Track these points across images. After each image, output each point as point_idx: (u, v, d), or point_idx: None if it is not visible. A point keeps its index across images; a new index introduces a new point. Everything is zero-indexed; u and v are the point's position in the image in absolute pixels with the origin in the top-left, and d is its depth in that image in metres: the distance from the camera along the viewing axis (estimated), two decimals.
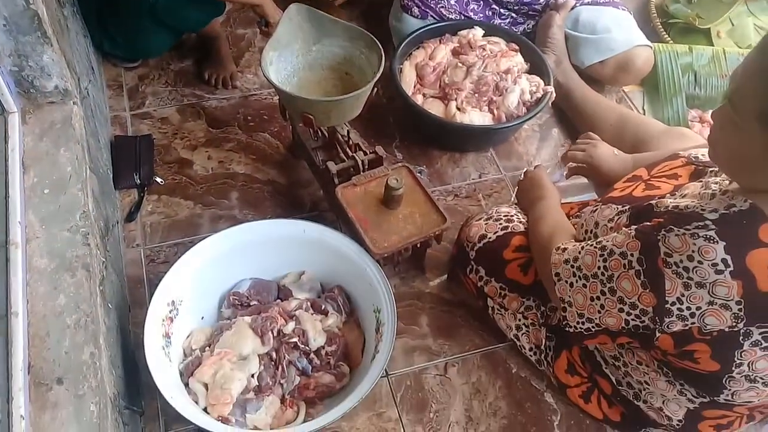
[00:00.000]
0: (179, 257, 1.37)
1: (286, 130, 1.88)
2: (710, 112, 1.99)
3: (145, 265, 1.58)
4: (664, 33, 2.23)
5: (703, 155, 1.29)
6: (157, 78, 2.00)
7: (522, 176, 1.60)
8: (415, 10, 2.02)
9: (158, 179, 1.74)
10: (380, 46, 1.56)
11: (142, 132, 1.85)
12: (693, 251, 0.98)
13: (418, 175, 1.61)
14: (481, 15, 2.05)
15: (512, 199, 1.72)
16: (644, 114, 2.07)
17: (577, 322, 1.17)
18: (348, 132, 1.62)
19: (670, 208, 1.07)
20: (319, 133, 1.69)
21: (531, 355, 1.45)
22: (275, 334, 1.33)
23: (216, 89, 1.99)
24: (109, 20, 1.85)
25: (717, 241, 0.97)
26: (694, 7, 2.33)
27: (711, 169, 1.22)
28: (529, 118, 1.80)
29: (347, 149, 1.60)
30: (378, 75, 1.51)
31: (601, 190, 1.56)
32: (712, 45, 2.22)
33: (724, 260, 0.96)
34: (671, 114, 2.04)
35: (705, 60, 2.12)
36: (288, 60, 1.66)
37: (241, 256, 1.44)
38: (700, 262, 0.98)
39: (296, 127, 1.73)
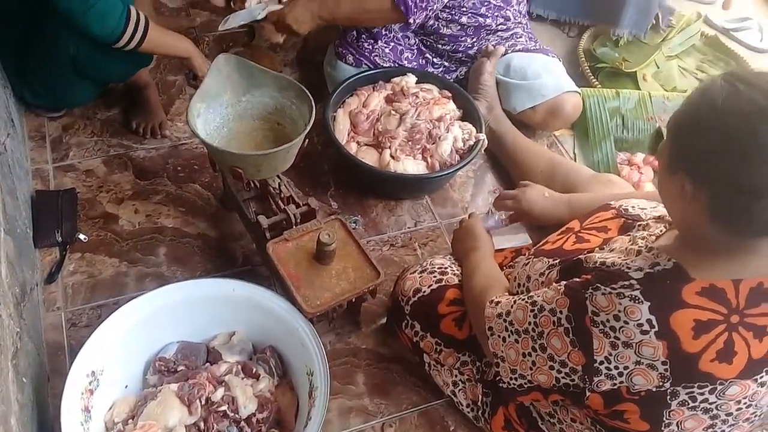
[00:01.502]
0: (102, 321, 1.30)
1: (217, 181, 1.84)
2: (638, 154, 2.10)
3: (66, 330, 1.50)
4: (592, 77, 2.29)
5: (633, 207, 1.31)
6: (83, 128, 1.93)
7: (458, 224, 1.60)
8: (350, 57, 2.01)
9: (81, 236, 1.67)
10: (311, 98, 1.55)
11: (65, 185, 1.77)
12: (619, 311, 0.99)
13: (352, 227, 1.60)
14: (415, 63, 2.07)
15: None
16: (575, 157, 2.11)
17: (511, 378, 1.17)
18: (279, 185, 1.59)
19: (597, 265, 1.08)
20: (251, 184, 1.66)
21: (468, 412, 1.43)
22: (203, 402, 1.27)
23: (144, 139, 1.93)
24: (29, 71, 1.78)
25: (642, 302, 0.98)
26: (621, 51, 2.41)
27: (639, 223, 1.24)
28: (462, 166, 1.81)
29: (279, 202, 1.57)
30: (308, 127, 1.50)
31: (537, 233, 1.58)
32: (639, 88, 2.30)
33: (649, 321, 0.97)
34: (600, 157, 2.09)
35: (632, 104, 2.18)
36: (217, 111, 1.63)
37: (167, 319, 1.39)
38: (626, 322, 0.99)
39: (227, 178, 1.69)
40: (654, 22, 2.42)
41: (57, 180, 1.80)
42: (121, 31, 1.56)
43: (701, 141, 0.93)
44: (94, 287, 1.58)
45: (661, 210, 1.25)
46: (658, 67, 2.40)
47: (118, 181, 1.82)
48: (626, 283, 1.00)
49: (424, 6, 1.80)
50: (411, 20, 1.82)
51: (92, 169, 1.84)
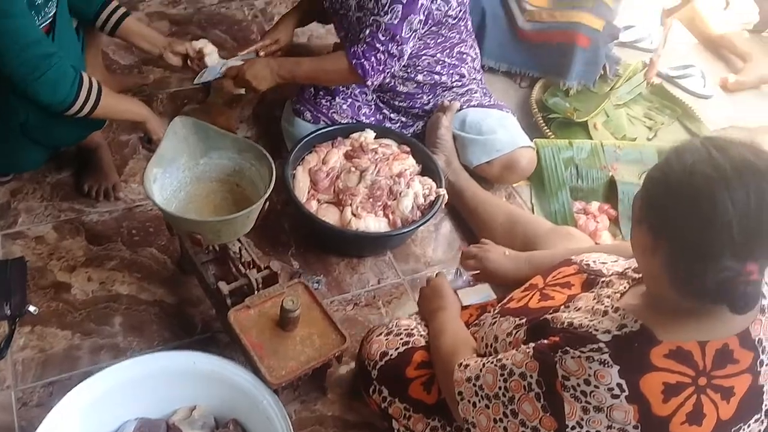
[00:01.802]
0: (54, 399, 1.24)
1: (174, 243, 1.79)
2: (593, 203, 2.14)
3: (17, 410, 1.43)
4: (546, 127, 2.33)
5: (594, 262, 1.32)
6: (32, 192, 1.88)
7: (424, 282, 1.59)
8: (308, 114, 2.02)
9: (31, 308, 1.60)
10: (271, 160, 1.53)
11: (13, 254, 1.71)
12: (589, 375, 0.99)
13: (315, 287, 1.57)
14: (373, 119, 2.08)
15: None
16: (532, 207, 2.14)
17: None
18: (240, 249, 1.56)
19: (565, 326, 1.08)
20: (210, 246, 1.62)
21: None
22: None
23: (97, 202, 1.88)
24: None
25: (611, 365, 0.98)
26: (571, 100, 2.47)
27: (602, 279, 1.25)
28: (424, 223, 1.81)
29: (240, 266, 1.53)
30: (269, 191, 1.48)
31: (500, 290, 1.58)
32: (590, 137, 2.35)
33: (619, 385, 0.97)
34: (557, 207, 2.12)
35: (585, 154, 2.23)
36: (174, 175, 1.60)
37: (124, 395, 1.33)
38: (596, 387, 0.98)
39: (185, 241, 1.65)
40: (602, 72, 2.50)
41: (5, 249, 1.73)
42: (72, 99, 1.53)
43: (666, 198, 0.95)
44: (46, 362, 1.51)
45: (622, 264, 1.27)
46: (608, 116, 2.47)
47: (69, 248, 1.76)
48: (595, 346, 1.00)
49: (381, 69, 1.82)
50: (369, 82, 1.85)
51: (42, 236, 1.78)
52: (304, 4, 2.15)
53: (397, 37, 1.78)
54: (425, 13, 1.80)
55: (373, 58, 1.80)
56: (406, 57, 1.85)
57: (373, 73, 1.81)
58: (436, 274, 1.60)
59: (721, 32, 2.89)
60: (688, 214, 0.92)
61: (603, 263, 1.31)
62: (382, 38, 1.78)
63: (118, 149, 2.05)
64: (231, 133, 1.62)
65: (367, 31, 1.78)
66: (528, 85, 2.56)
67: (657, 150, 2.32)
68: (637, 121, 2.52)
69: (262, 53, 1.99)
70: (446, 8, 1.88)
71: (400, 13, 1.75)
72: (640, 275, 1.14)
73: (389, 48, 1.79)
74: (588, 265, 1.32)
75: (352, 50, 1.81)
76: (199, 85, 1.93)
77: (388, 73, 1.86)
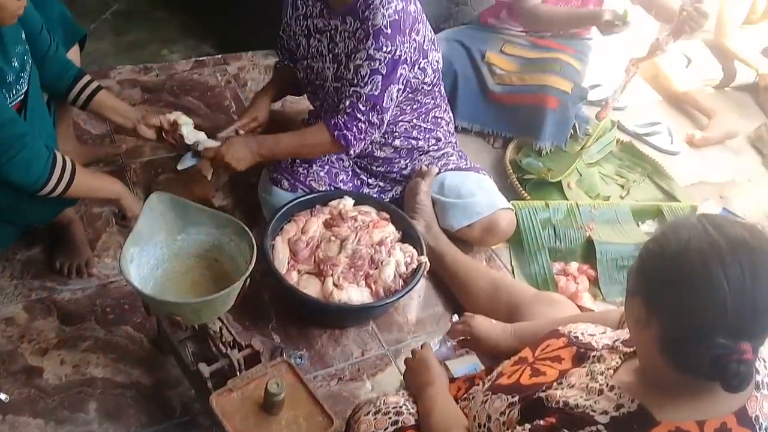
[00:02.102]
0: None
1: (150, 321, 1.74)
2: (572, 264, 2.15)
3: None
4: (521, 188, 2.35)
5: (582, 334, 1.31)
6: (1, 271, 1.82)
7: (410, 354, 1.56)
8: (285, 183, 2.00)
9: (2, 396, 1.53)
10: (251, 235, 1.51)
11: None
12: None
13: (298, 363, 1.53)
14: (350, 184, 2.08)
15: (400, 382, 1.67)
16: (512, 270, 2.14)
17: None
18: (221, 328, 1.52)
19: (561, 405, 1.06)
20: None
21: None
22: None
23: (69, 279, 1.83)
24: None
25: None
26: (544, 160, 2.50)
27: (593, 353, 1.24)
28: (407, 292, 1.79)
29: (221, 346, 1.49)
30: (250, 268, 1.45)
31: (487, 360, 1.56)
32: (565, 196, 2.38)
33: None
34: (537, 269, 2.12)
35: (561, 214, 2.25)
36: (151, 253, 1.56)
37: None
38: None
39: (162, 320, 1.60)
40: (572, 132, 2.54)
41: None
42: (46, 179, 1.50)
43: (661, 271, 0.96)
44: None
45: (611, 335, 1.26)
46: (581, 175, 2.50)
47: (41, 329, 1.70)
48: (593, 428, 0.99)
49: (363, 137, 1.83)
50: (351, 152, 1.86)
51: (12, 317, 1.71)
52: (277, 79, 2.17)
53: (378, 106, 1.79)
54: (404, 82, 1.83)
55: (354, 128, 1.81)
56: (385, 125, 1.86)
57: (355, 142, 1.83)
58: (422, 346, 1.58)
59: (684, 89, 2.98)
60: (682, 288, 0.93)
61: (591, 335, 1.30)
62: (363, 108, 1.79)
63: (91, 222, 2.00)
64: (209, 209, 1.59)
65: (348, 102, 1.79)
66: (501, 146, 2.60)
67: (631, 208, 2.36)
68: (609, 179, 2.56)
69: (241, 132, 1.98)
70: (423, 76, 1.91)
71: (380, 83, 1.77)
72: (632, 349, 1.13)
73: (370, 117, 1.80)
74: (576, 337, 1.31)
75: (333, 122, 1.81)
76: (183, 170, 1.90)
77: (368, 140, 1.87)
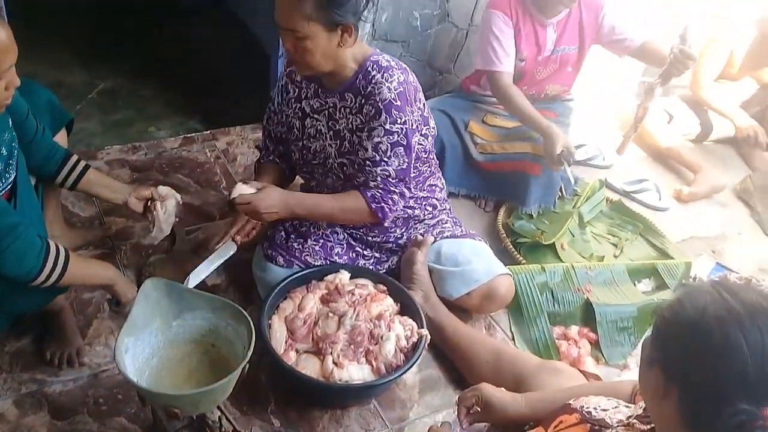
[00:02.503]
0: None
1: (145, 411, 1.67)
2: (572, 327, 2.12)
3: None
4: (515, 252, 2.34)
5: (595, 410, 1.28)
6: None
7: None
8: (280, 259, 1.98)
9: None
10: (248, 318, 1.48)
11: None
12: None
13: None
14: (346, 257, 2.05)
15: None
16: (512, 336, 2.10)
17: None
18: (220, 418, 1.47)
19: None
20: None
21: None
22: None
23: (60, 369, 1.76)
24: None
25: None
26: (537, 222, 2.50)
27: (606, 430, 1.21)
28: (409, 368, 1.75)
29: None
30: (249, 353, 1.41)
31: (498, 430, 1.52)
32: (559, 257, 2.37)
33: None
34: (538, 334, 2.09)
35: (558, 277, 2.24)
36: (146, 341, 1.53)
37: None
38: None
39: (158, 412, 1.54)
40: (560, 194, 2.55)
41: None
42: (39, 269, 1.46)
43: (678, 338, 0.95)
44: None
45: (624, 411, 1.23)
46: (573, 236, 2.50)
47: (31, 425, 1.62)
48: None
49: (396, 208, 1.90)
50: (386, 222, 1.92)
51: (2, 413, 1.64)
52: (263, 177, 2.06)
53: (407, 178, 1.87)
54: (414, 150, 1.87)
55: (390, 201, 1.87)
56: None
57: (390, 214, 1.90)
58: (429, 429, 1.52)
59: (668, 145, 3.02)
60: (701, 355, 0.92)
61: (604, 410, 1.27)
62: (394, 181, 1.85)
63: (82, 309, 1.94)
64: (205, 293, 1.57)
65: (379, 179, 1.83)
66: (492, 209, 2.61)
67: (627, 268, 2.35)
68: (602, 238, 2.56)
69: (238, 238, 1.98)
70: (425, 143, 1.96)
71: (404, 155, 1.83)
72: (649, 426, 1.10)
73: (401, 189, 1.87)
74: (589, 413, 1.28)
75: (370, 194, 1.85)
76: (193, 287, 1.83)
77: (398, 211, 1.94)
